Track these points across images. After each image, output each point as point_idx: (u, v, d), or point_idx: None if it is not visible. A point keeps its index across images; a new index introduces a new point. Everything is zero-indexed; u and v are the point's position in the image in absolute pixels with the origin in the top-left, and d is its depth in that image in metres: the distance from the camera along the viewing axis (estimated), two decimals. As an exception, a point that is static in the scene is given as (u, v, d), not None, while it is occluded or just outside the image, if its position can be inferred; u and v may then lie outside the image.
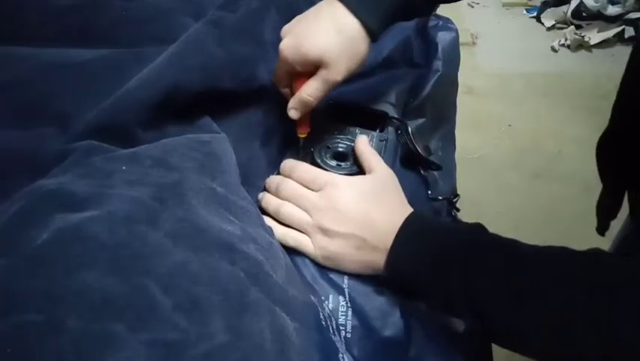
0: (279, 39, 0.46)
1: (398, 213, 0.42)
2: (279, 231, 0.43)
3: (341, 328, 0.39)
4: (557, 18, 2.75)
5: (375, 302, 0.41)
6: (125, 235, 0.29)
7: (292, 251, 0.43)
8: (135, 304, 0.26)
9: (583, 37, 2.55)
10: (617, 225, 0.81)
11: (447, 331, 0.43)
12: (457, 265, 0.37)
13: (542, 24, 2.80)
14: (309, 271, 0.42)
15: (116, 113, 0.40)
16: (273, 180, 0.46)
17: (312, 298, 0.38)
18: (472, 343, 0.43)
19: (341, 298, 0.41)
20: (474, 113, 2.09)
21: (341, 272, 0.42)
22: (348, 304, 0.41)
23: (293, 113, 0.47)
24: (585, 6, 2.60)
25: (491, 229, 0.40)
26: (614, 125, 0.68)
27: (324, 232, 0.42)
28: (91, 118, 0.40)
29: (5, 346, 0.23)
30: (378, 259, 0.41)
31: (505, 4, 3.03)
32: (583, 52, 2.57)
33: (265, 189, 0.47)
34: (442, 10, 0.68)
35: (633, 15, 2.55)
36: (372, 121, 0.56)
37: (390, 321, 0.40)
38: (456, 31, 0.68)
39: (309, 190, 0.44)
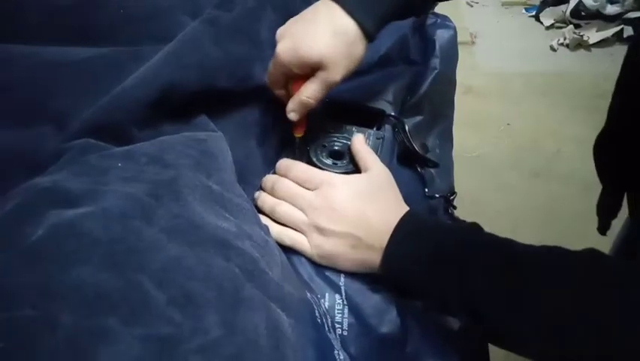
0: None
1: (394, 212, 0.42)
2: (275, 230, 0.43)
3: (337, 325, 0.39)
4: (556, 17, 2.76)
5: (372, 300, 0.41)
6: (120, 230, 0.29)
7: (288, 250, 0.43)
8: (129, 298, 0.26)
9: (582, 36, 2.55)
10: (617, 224, 0.81)
11: (443, 328, 0.43)
12: (452, 264, 0.37)
13: (541, 23, 2.81)
14: (306, 270, 0.42)
15: (113, 112, 0.40)
16: (268, 179, 0.46)
17: (308, 295, 0.38)
18: (468, 340, 0.43)
19: (337, 296, 0.41)
20: (473, 112, 2.09)
21: (337, 270, 0.42)
22: (345, 302, 0.41)
23: (292, 116, 0.47)
24: (584, 5, 2.61)
25: (490, 229, 0.40)
26: (610, 125, 0.68)
27: (320, 230, 0.42)
28: (87, 116, 0.40)
29: (-1, 341, 0.23)
30: (373, 258, 0.41)
31: (504, 3, 3.04)
32: (582, 51, 2.57)
33: (261, 188, 0.47)
34: (441, 8, 0.68)
35: (632, 14, 2.56)
36: (370, 119, 0.56)
37: (387, 319, 0.40)
38: (454, 28, 0.68)
39: (304, 189, 0.44)
